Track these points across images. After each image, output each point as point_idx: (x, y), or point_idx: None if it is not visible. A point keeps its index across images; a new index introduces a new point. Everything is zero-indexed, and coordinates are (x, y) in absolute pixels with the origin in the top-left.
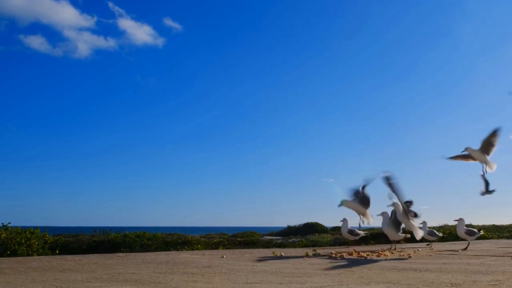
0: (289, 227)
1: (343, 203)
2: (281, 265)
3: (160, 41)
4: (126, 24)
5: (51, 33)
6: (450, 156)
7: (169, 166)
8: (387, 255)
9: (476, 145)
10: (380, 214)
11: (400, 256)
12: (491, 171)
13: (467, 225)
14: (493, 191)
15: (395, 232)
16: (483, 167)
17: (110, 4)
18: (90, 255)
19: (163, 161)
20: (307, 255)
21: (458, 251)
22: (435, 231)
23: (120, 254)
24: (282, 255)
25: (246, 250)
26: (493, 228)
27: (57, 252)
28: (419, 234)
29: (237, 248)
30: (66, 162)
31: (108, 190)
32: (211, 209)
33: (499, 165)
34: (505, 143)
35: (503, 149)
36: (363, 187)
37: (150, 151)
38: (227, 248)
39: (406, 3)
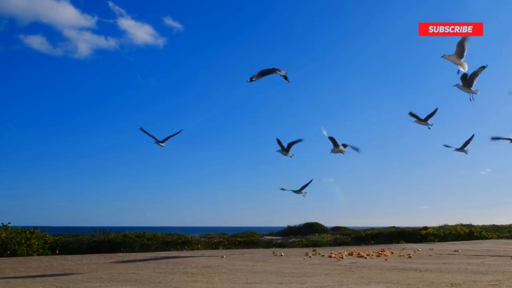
0: (289, 227)
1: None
2: (281, 265)
3: (161, 41)
4: (127, 23)
5: (51, 33)
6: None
7: (169, 166)
8: (387, 255)
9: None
10: None
11: (400, 256)
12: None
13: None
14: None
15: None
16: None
17: (111, 4)
18: (90, 255)
19: (163, 161)
20: (307, 255)
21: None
22: None
23: (120, 254)
24: (282, 255)
25: (246, 250)
26: (493, 228)
27: (57, 252)
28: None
29: (237, 248)
30: (66, 162)
31: (108, 190)
32: (211, 209)
33: (498, 166)
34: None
35: (503, 149)
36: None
37: (150, 151)
38: (227, 248)
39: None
